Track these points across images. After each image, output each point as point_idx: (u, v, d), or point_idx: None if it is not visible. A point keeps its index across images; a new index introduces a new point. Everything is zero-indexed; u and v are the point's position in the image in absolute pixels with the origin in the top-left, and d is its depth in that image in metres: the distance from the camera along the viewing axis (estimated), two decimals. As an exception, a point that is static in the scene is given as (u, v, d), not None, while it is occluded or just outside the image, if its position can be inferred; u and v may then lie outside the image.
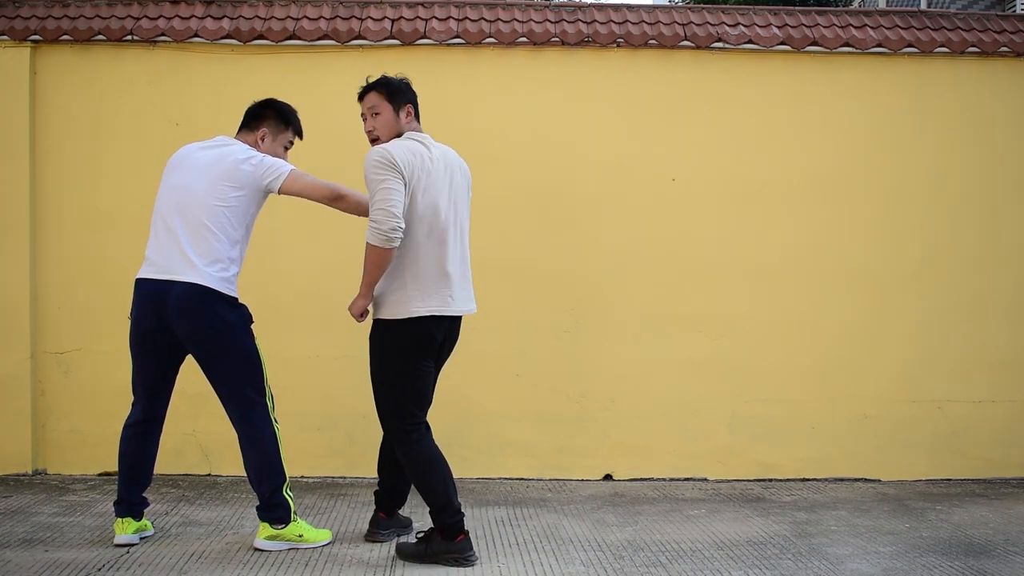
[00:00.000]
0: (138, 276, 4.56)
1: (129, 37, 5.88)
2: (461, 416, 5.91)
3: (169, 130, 5.88)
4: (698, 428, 6.03)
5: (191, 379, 5.83)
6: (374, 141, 4.50)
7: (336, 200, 4.60)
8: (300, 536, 4.52)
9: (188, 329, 4.44)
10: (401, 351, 4.36)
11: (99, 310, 5.85)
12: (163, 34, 5.88)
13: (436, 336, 4.40)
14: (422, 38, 5.94)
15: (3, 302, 5.86)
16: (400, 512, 4.80)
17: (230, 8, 6.02)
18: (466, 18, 6.03)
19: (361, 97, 4.58)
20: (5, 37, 5.85)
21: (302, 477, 5.83)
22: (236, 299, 4.52)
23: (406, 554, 4.42)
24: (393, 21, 6.00)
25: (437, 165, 4.40)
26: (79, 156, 5.92)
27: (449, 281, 4.38)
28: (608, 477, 6.03)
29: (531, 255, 5.99)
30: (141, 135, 5.89)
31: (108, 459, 5.85)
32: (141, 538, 4.61)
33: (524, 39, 5.97)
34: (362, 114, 4.58)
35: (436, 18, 6.03)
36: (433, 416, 6.08)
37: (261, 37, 5.90)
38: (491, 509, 5.31)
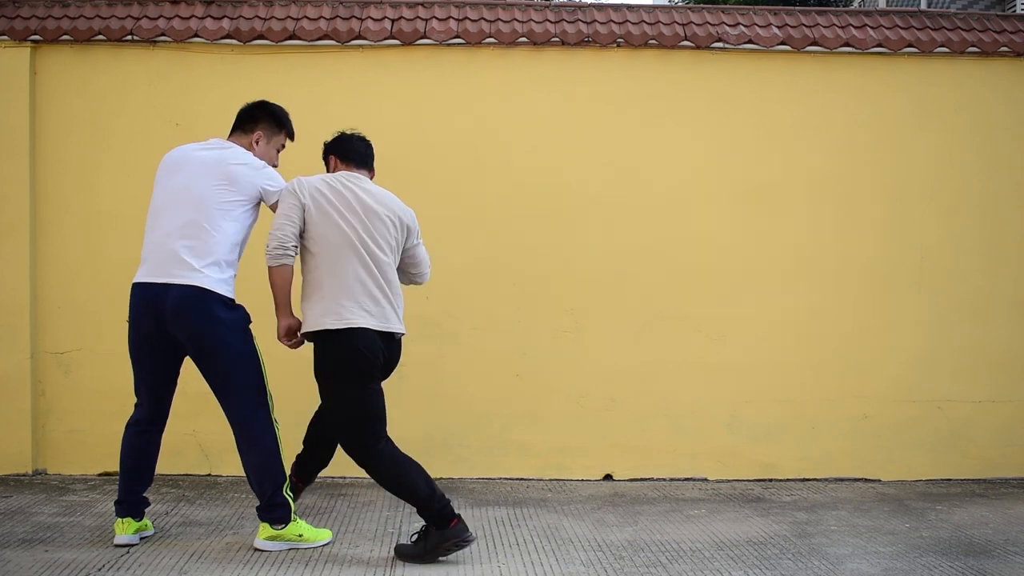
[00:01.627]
0: (135, 280, 4.56)
1: (129, 37, 5.88)
2: (461, 416, 5.92)
3: (169, 130, 5.88)
4: (698, 428, 6.03)
5: (191, 379, 5.82)
6: None
7: None
8: (300, 536, 4.52)
9: (187, 331, 4.44)
10: (335, 367, 4.46)
11: (99, 310, 5.84)
12: (163, 34, 5.88)
13: (362, 352, 4.42)
14: (422, 38, 5.94)
15: (3, 302, 5.86)
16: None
17: (230, 8, 6.02)
18: (466, 18, 6.03)
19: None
20: (5, 37, 5.85)
21: (302, 477, 5.83)
22: (234, 300, 4.51)
23: (407, 555, 4.41)
24: (393, 21, 6.00)
25: (348, 199, 4.53)
26: (79, 156, 5.92)
27: (369, 299, 4.46)
28: (608, 477, 6.03)
29: (531, 255, 5.99)
30: (141, 135, 5.89)
31: (108, 459, 5.85)
32: (141, 538, 4.61)
33: (524, 39, 5.97)
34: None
35: (436, 18, 6.03)
36: (433, 416, 6.10)
37: (261, 37, 5.90)
38: (491, 509, 5.32)
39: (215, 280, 4.41)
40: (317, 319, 4.44)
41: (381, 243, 4.55)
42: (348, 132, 4.87)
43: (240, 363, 4.47)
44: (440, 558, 4.36)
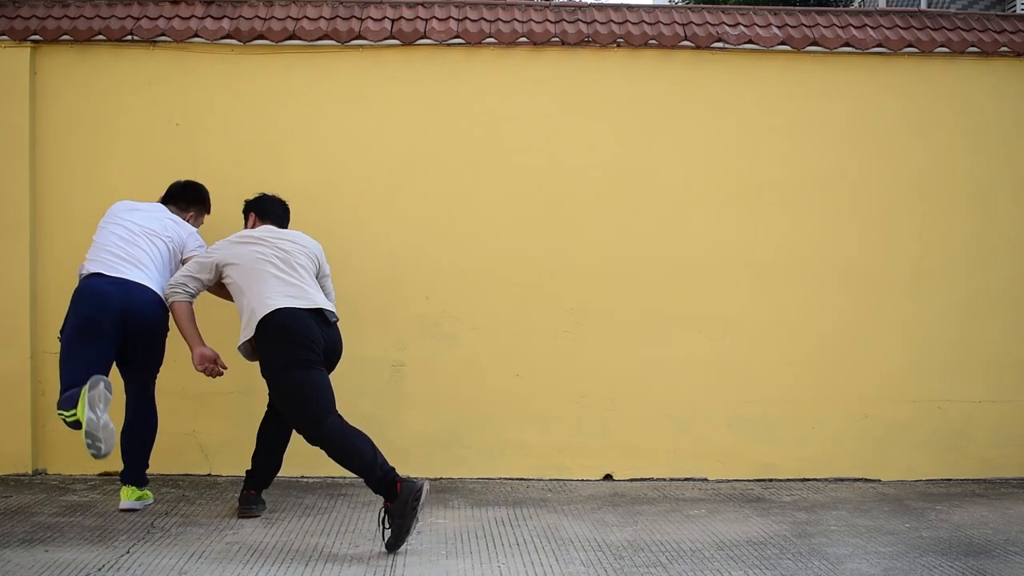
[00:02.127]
0: (92, 271, 5.05)
1: (129, 37, 5.87)
2: (461, 416, 5.92)
3: (169, 130, 5.89)
4: (698, 428, 6.03)
5: (191, 379, 5.83)
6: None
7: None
8: (148, 495, 5.23)
9: (148, 326, 5.09)
10: (276, 355, 4.77)
11: (99, 310, 5.83)
12: (163, 34, 5.88)
13: (297, 328, 4.74)
14: (422, 38, 5.94)
15: (3, 302, 5.85)
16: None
17: (230, 8, 6.02)
18: (466, 18, 6.03)
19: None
20: (5, 37, 5.85)
21: (302, 477, 5.83)
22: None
23: (394, 543, 4.48)
24: (393, 21, 6.00)
25: (257, 235, 5.08)
26: (79, 156, 5.91)
27: (292, 288, 4.86)
28: (608, 477, 6.03)
29: (531, 255, 5.99)
30: (141, 135, 5.89)
31: (108, 459, 5.84)
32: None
33: (524, 39, 5.97)
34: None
35: (436, 18, 6.03)
36: (433, 416, 6.09)
37: (261, 37, 5.90)
38: (491, 509, 5.32)
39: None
40: (250, 321, 4.80)
41: (293, 260, 4.98)
42: (268, 195, 5.38)
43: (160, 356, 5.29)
44: (416, 520, 4.46)
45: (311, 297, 4.85)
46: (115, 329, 4.97)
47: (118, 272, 5.05)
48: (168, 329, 5.19)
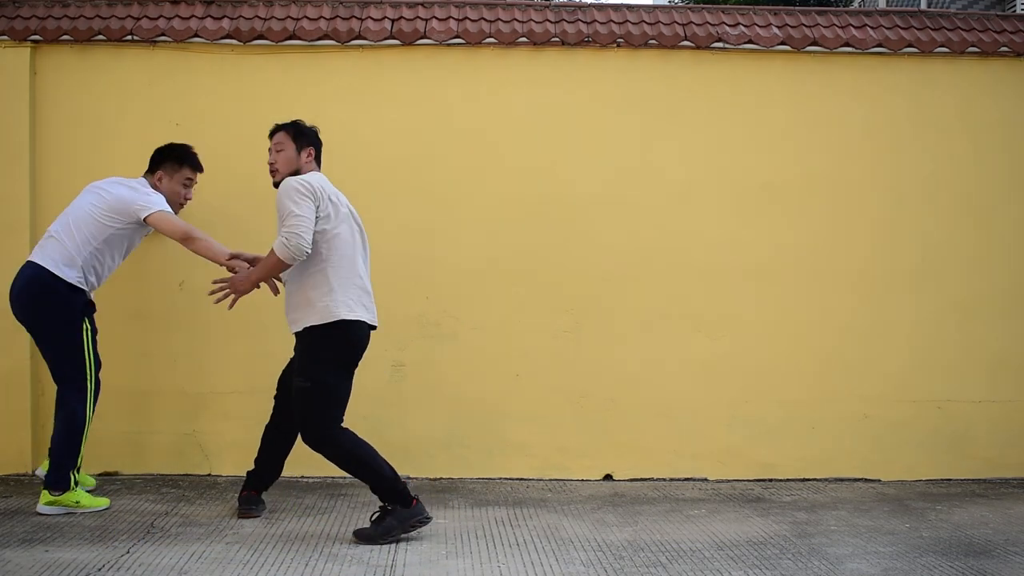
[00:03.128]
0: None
1: (129, 37, 5.87)
2: (461, 416, 5.92)
3: (169, 130, 5.88)
4: (698, 428, 6.03)
5: (191, 379, 5.84)
6: (273, 173, 4.99)
7: (186, 240, 5.10)
8: (77, 503, 5.06)
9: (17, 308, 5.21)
10: (336, 355, 4.78)
11: (99, 310, 5.82)
12: (163, 34, 5.88)
13: (364, 342, 4.86)
14: (422, 38, 5.94)
15: (3, 302, 5.84)
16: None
17: (230, 8, 6.02)
18: (466, 18, 6.03)
19: (271, 135, 5.07)
20: (5, 37, 5.85)
21: (302, 477, 5.83)
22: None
23: (369, 536, 4.61)
24: (393, 21, 6.00)
25: (341, 196, 4.92)
26: (79, 156, 5.91)
27: (367, 296, 4.88)
28: (608, 477, 6.03)
29: (531, 256, 5.99)
30: (141, 135, 5.88)
31: (108, 459, 5.86)
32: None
33: (524, 39, 5.97)
34: (269, 147, 5.04)
35: (436, 18, 6.03)
36: (433, 416, 6.09)
37: (261, 37, 5.90)
38: (491, 509, 5.32)
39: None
40: (330, 311, 4.71)
41: (367, 244, 4.99)
42: (312, 127, 5.12)
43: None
44: (403, 536, 4.62)
45: (375, 313, 4.92)
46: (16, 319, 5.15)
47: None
48: (52, 310, 5.07)
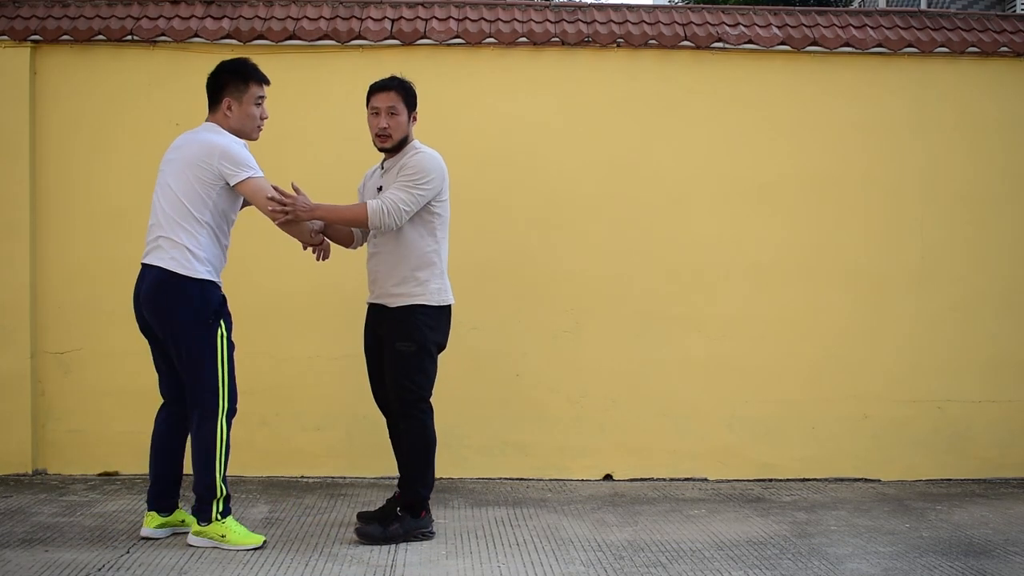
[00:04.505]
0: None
1: (129, 37, 5.87)
2: (461, 416, 5.91)
3: (169, 130, 5.84)
4: (698, 428, 6.03)
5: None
6: (385, 139, 4.69)
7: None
8: (223, 536, 4.50)
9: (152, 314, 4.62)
10: (437, 336, 4.73)
11: (99, 310, 5.84)
12: (163, 34, 5.88)
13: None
14: (422, 38, 5.94)
15: (3, 302, 5.85)
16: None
17: (230, 8, 6.02)
18: (466, 18, 6.03)
19: (377, 91, 4.74)
20: (5, 37, 5.85)
21: (302, 477, 5.83)
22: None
23: (372, 537, 4.59)
24: (393, 21, 6.00)
25: None
26: (79, 156, 5.91)
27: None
28: (608, 477, 6.03)
29: (531, 255, 5.99)
30: (141, 135, 5.89)
31: (108, 459, 5.86)
32: (174, 533, 4.63)
33: (524, 39, 5.97)
34: (375, 108, 4.71)
35: (436, 18, 6.03)
36: (434, 416, 6.08)
37: (261, 37, 5.90)
38: (491, 509, 5.31)
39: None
40: (441, 294, 4.72)
41: None
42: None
43: None
44: (396, 544, 4.60)
45: None
46: (144, 327, 4.60)
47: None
48: (198, 319, 4.44)
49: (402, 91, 4.73)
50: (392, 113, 4.67)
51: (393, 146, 4.70)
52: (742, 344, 6.04)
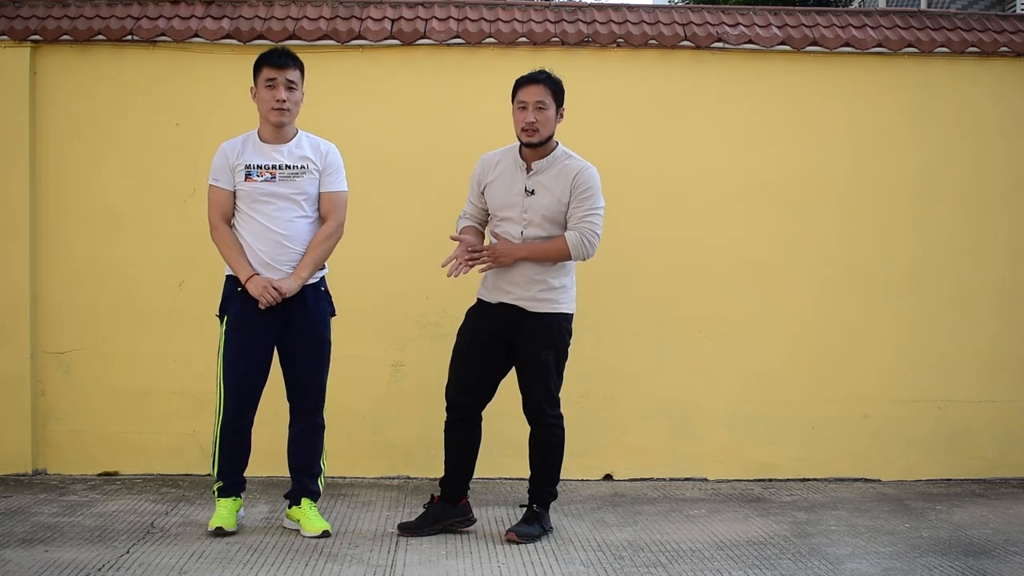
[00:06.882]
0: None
1: (129, 37, 5.87)
2: (461, 416, 5.90)
3: (169, 130, 5.88)
4: (698, 428, 6.03)
5: (191, 379, 5.83)
6: (532, 133, 4.60)
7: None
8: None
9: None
10: (569, 343, 4.83)
11: (99, 310, 5.84)
12: (163, 34, 5.88)
13: None
14: (422, 38, 5.94)
15: (3, 302, 5.85)
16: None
17: (230, 8, 6.01)
18: (466, 18, 6.03)
19: (525, 85, 4.66)
20: (5, 37, 5.84)
21: (302, 477, 5.82)
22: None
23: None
24: (393, 21, 6.00)
25: None
26: (79, 156, 5.91)
27: None
28: (608, 477, 6.03)
29: (531, 255, 5.98)
30: (141, 135, 5.89)
31: (108, 459, 5.86)
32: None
33: (524, 39, 5.97)
34: (522, 102, 4.64)
35: (436, 18, 6.03)
36: (434, 416, 6.08)
37: (261, 37, 5.90)
38: (491, 509, 5.32)
39: None
40: (574, 303, 4.83)
41: None
42: None
43: None
44: (430, 534, 4.70)
45: None
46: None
47: None
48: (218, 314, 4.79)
49: (551, 85, 4.63)
50: (540, 107, 4.59)
51: (540, 141, 4.61)
52: (742, 344, 6.04)
